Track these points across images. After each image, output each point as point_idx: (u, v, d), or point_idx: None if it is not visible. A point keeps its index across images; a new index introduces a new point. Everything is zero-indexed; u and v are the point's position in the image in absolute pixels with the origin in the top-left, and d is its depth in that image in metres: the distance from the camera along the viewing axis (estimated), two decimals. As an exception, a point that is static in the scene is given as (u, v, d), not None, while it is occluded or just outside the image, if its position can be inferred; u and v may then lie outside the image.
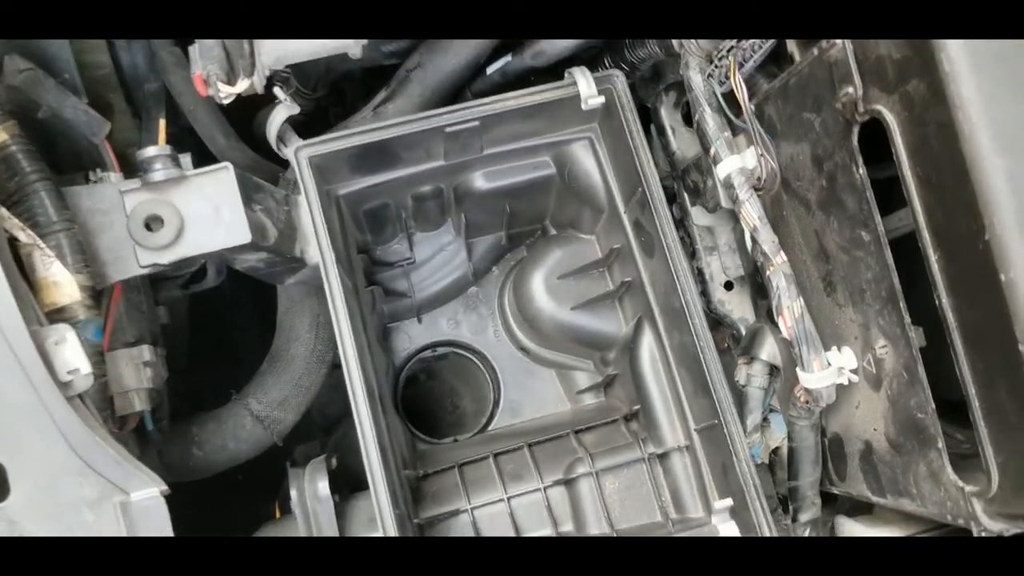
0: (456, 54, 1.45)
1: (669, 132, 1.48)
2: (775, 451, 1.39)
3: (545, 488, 1.46)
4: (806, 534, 1.29)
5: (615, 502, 1.45)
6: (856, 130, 1.00)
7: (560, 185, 1.59)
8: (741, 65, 1.17)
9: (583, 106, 1.38)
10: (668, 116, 1.48)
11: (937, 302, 0.93)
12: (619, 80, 1.38)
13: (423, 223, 1.71)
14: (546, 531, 1.44)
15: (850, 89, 0.96)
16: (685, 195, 1.45)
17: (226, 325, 2.13)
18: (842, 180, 1.05)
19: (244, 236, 1.17)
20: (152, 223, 1.16)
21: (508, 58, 1.47)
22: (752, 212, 1.18)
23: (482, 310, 1.81)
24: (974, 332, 0.89)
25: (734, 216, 1.39)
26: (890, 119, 0.94)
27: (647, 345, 1.50)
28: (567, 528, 1.46)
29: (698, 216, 1.44)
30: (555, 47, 1.44)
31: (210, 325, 1.99)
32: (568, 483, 1.47)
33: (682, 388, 1.42)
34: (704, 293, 1.47)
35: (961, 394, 0.95)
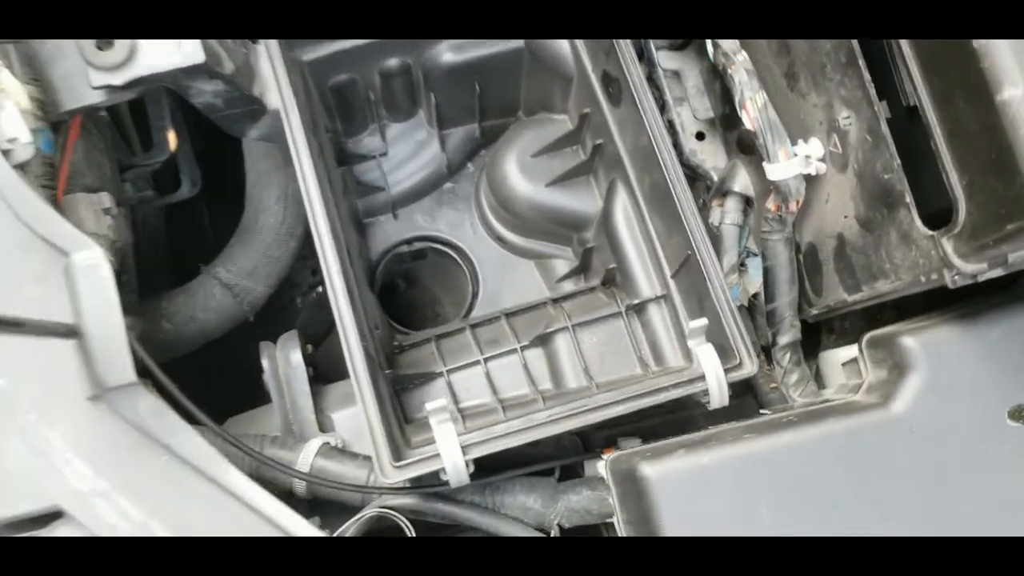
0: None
1: (633, -17, 1.47)
2: (755, 296, 1.36)
3: (522, 348, 1.43)
4: (786, 358, 1.25)
5: (594, 357, 1.42)
6: None
7: (529, 59, 1.58)
8: None
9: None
10: (631, -35, 1.47)
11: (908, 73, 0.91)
12: (580, -71, 1.37)
13: (394, 111, 1.70)
14: (524, 391, 1.41)
15: None
16: (651, 44, 1.44)
17: (205, 248, 2.10)
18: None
19: (198, 56, 1.16)
20: (103, 44, 1.15)
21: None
22: (712, 19, 1.17)
23: (458, 205, 1.80)
24: (928, 50, 0.87)
25: (700, 52, 1.38)
26: None
27: (620, 204, 1.48)
28: (545, 386, 1.42)
29: (665, 60, 1.42)
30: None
31: (188, 247, 1.96)
32: (544, 341, 1.43)
33: (656, 235, 1.40)
34: (676, 145, 1.45)
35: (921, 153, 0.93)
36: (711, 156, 1.43)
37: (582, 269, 1.66)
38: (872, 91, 0.98)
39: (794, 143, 1.12)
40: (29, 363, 0.93)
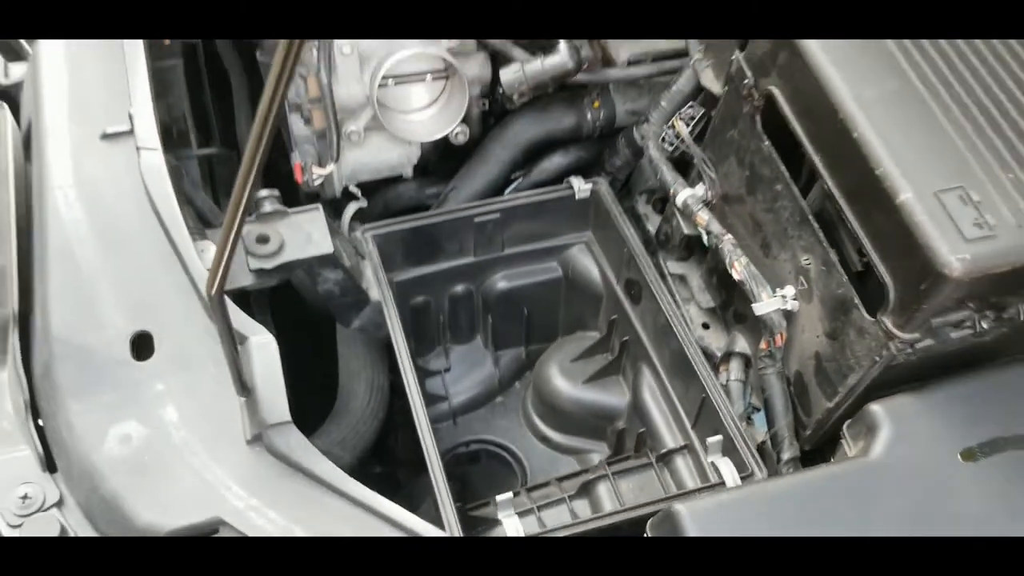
0: (483, 177, 1.95)
1: (644, 219, 1.93)
2: (761, 443, 1.64)
3: (569, 497, 1.68)
4: (789, 471, 1.51)
5: (630, 499, 1.66)
6: (758, 117, 1.46)
7: (566, 286, 2.01)
8: (692, 119, 1.68)
9: (576, 195, 1.85)
10: (642, 208, 1.94)
11: (827, 188, 1.32)
12: (602, 182, 1.87)
13: (457, 334, 2.09)
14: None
15: (746, 80, 1.45)
16: (660, 258, 1.87)
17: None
18: (757, 161, 1.49)
19: (328, 247, 1.58)
20: (260, 240, 1.58)
21: (519, 179, 1.98)
22: (703, 216, 1.61)
23: (508, 415, 2.12)
24: (854, 193, 1.28)
25: (700, 256, 1.80)
26: (776, 92, 1.40)
27: (646, 383, 1.82)
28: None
29: (672, 267, 1.84)
30: (552, 164, 1.96)
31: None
32: (588, 490, 1.68)
33: (676, 396, 1.72)
34: (686, 333, 1.82)
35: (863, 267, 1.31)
36: (715, 339, 1.79)
37: (616, 453, 1.94)
38: (820, 234, 1.38)
39: (773, 291, 1.49)
40: (203, 414, 1.24)
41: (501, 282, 2.00)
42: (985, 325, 1.26)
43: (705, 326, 1.82)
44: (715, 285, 1.76)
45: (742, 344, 1.67)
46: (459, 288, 1.99)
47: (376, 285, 1.73)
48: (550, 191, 1.87)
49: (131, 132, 1.39)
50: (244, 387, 1.21)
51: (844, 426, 1.37)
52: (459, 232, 1.87)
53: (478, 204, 1.85)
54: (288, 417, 1.20)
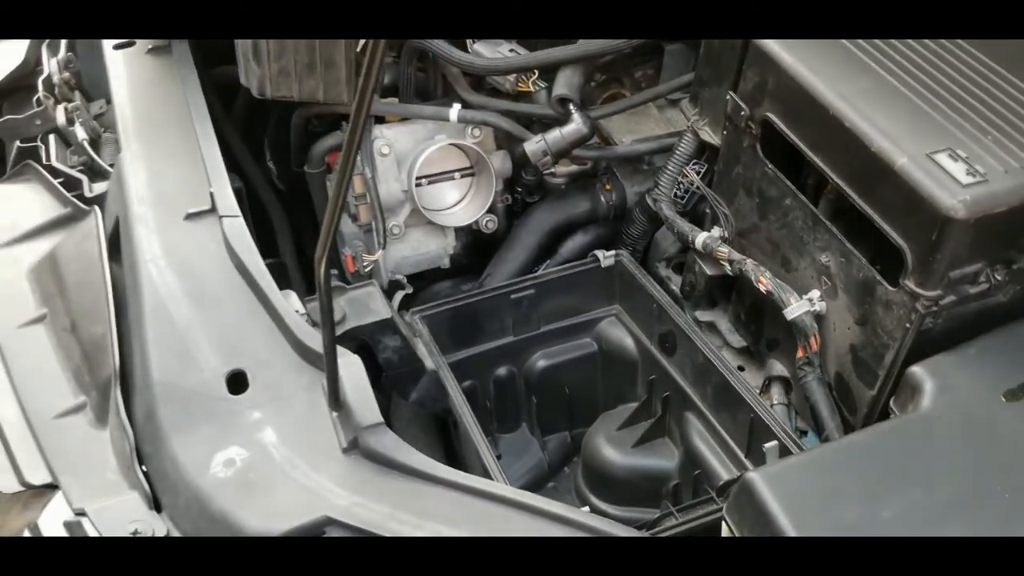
0: (513, 262, 2.12)
1: (667, 281, 2.08)
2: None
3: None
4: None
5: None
6: (758, 145, 1.66)
7: (602, 360, 2.13)
8: (698, 173, 1.88)
9: (602, 264, 2.01)
10: (664, 272, 2.10)
11: (832, 181, 1.50)
12: (623, 253, 2.04)
13: (503, 422, 2.18)
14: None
15: (743, 113, 1.66)
16: (687, 310, 2.00)
17: None
18: (764, 185, 1.67)
19: (387, 313, 1.71)
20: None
21: (547, 262, 2.14)
22: (723, 250, 1.76)
23: (562, 496, 2.16)
24: (857, 176, 1.45)
25: (725, 302, 1.94)
26: (771, 116, 1.61)
27: (695, 430, 1.89)
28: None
29: (701, 316, 1.97)
30: (575, 243, 2.13)
31: None
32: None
33: (724, 430, 1.80)
34: (725, 381, 1.92)
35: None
36: (753, 379, 1.89)
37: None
38: (833, 229, 1.54)
39: (800, 297, 1.63)
40: (300, 434, 1.33)
41: (540, 361, 2.11)
42: (999, 277, 1.39)
43: (741, 368, 1.92)
44: (744, 322, 1.89)
45: (779, 368, 1.78)
46: (502, 371, 2.10)
47: (429, 356, 1.85)
48: (577, 264, 2.03)
49: (212, 210, 1.56)
50: (337, 400, 1.31)
51: (891, 402, 1.47)
52: (498, 310, 2.01)
53: (514, 281, 2.01)
54: (381, 419, 1.30)
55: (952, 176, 1.32)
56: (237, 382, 1.38)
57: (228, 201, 1.56)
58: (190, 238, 1.54)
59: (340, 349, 1.37)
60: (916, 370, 1.39)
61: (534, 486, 2.17)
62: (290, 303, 1.47)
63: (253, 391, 1.37)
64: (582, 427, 2.21)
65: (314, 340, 1.39)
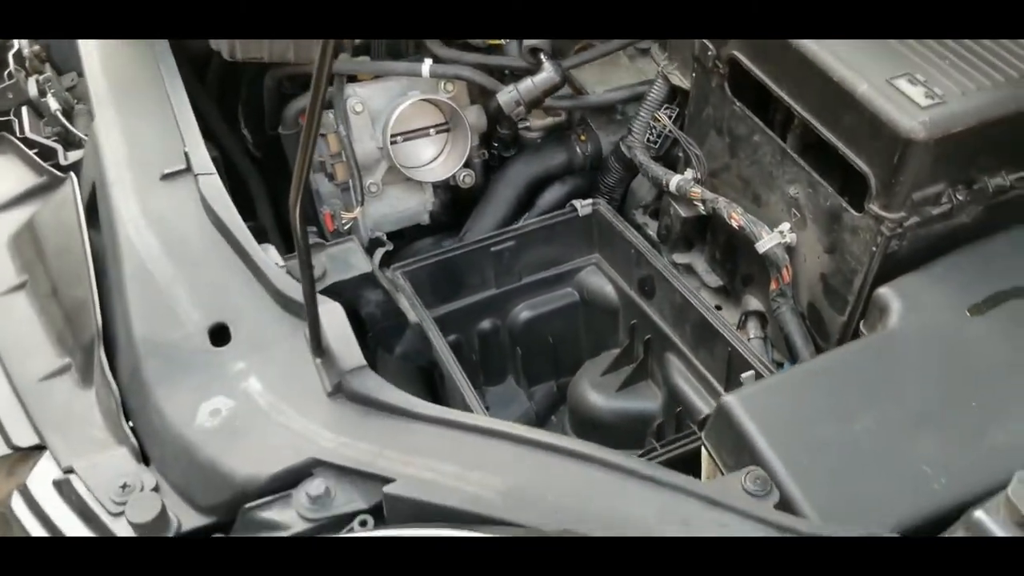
0: (492, 216, 2.14)
1: (644, 227, 2.11)
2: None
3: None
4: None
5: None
6: (726, 84, 1.68)
7: (584, 309, 2.16)
8: (670, 118, 1.90)
9: (580, 213, 2.03)
10: (640, 219, 2.12)
11: (798, 113, 1.52)
12: (600, 201, 2.06)
13: (490, 376, 2.21)
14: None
15: (710, 52, 1.67)
16: (664, 254, 2.03)
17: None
18: (733, 124, 1.69)
19: (368, 267, 1.73)
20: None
21: (526, 215, 2.17)
22: (697, 190, 1.79)
23: (550, 444, 2.19)
24: (821, 106, 1.47)
25: (700, 244, 1.97)
26: (738, 54, 1.63)
27: (675, 368, 1.93)
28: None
29: (678, 258, 2.00)
30: (553, 195, 2.16)
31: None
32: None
33: (704, 367, 1.83)
34: (703, 319, 1.95)
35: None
36: (731, 317, 1.92)
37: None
38: (801, 161, 1.56)
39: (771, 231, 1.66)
40: (285, 381, 1.35)
41: (524, 312, 2.14)
42: (960, 197, 1.42)
43: (718, 307, 1.95)
44: (719, 261, 1.92)
45: (755, 303, 1.81)
46: (486, 324, 2.12)
47: (412, 310, 1.87)
48: (556, 215, 2.05)
49: (187, 169, 1.58)
50: (320, 347, 1.34)
51: (860, 325, 1.50)
52: (479, 263, 2.03)
53: (494, 234, 2.03)
54: (363, 362, 1.32)
55: (911, 99, 1.34)
56: (220, 335, 1.40)
57: (203, 160, 1.57)
58: (167, 198, 1.56)
59: (320, 297, 1.40)
60: (883, 291, 1.43)
61: (523, 435, 2.21)
62: (269, 256, 1.48)
63: (236, 342, 1.39)
64: (567, 376, 2.24)
65: (294, 291, 1.41)
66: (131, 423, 1.37)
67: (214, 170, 1.55)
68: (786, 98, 1.53)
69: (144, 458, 1.34)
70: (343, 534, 1.19)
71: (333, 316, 1.37)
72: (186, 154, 1.59)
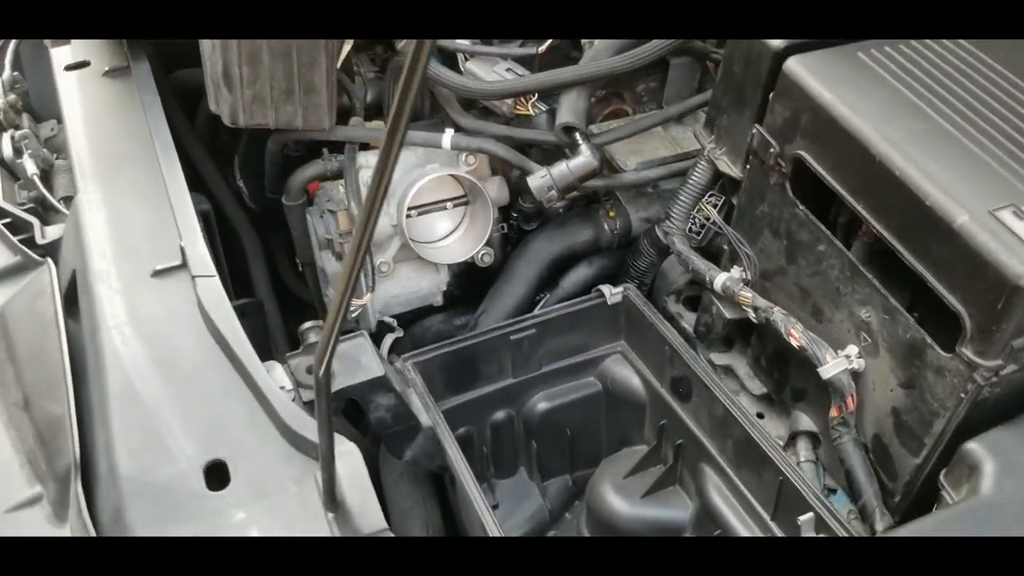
0: (511, 297, 1.96)
1: (678, 318, 1.93)
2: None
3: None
4: (889, 538, 1.44)
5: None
6: (788, 184, 1.51)
7: (606, 400, 1.98)
8: (714, 206, 1.72)
9: (608, 301, 1.86)
10: (673, 307, 1.95)
11: (877, 232, 1.35)
12: (631, 287, 1.89)
13: (500, 468, 2.03)
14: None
15: (772, 150, 1.50)
16: (701, 353, 1.86)
17: None
18: (793, 228, 1.52)
19: (379, 371, 1.55)
20: (311, 371, 1.54)
21: (546, 296, 1.99)
22: (747, 294, 1.61)
23: (564, 545, 2.02)
24: (906, 230, 1.31)
25: (743, 344, 1.80)
26: (805, 155, 1.46)
27: (712, 484, 1.76)
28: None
29: (716, 359, 1.82)
30: (578, 276, 1.98)
31: None
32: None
33: (746, 489, 1.66)
34: (744, 430, 1.78)
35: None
36: (774, 428, 1.75)
37: None
38: (876, 283, 1.39)
39: (836, 353, 1.49)
40: (289, 534, 1.17)
41: (541, 403, 1.96)
42: (1062, 344, 1.26)
43: (760, 415, 1.79)
44: (765, 368, 1.75)
45: (806, 422, 1.64)
46: (500, 415, 1.94)
47: (425, 411, 1.69)
48: (582, 301, 1.88)
49: (183, 266, 1.38)
50: (333, 500, 1.15)
51: (941, 476, 1.33)
52: (496, 352, 1.85)
53: (513, 321, 1.85)
54: (384, 524, 1.14)
55: (1020, 238, 1.18)
56: (217, 475, 1.21)
57: (201, 257, 1.38)
58: (159, 299, 1.36)
59: (336, 437, 1.21)
60: (973, 447, 1.27)
61: (536, 533, 2.03)
62: (275, 378, 1.30)
63: (235, 486, 1.20)
64: (583, 469, 2.07)
65: (303, 424, 1.23)
66: (110, 573, 1.18)
67: (214, 271, 1.35)
68: (864, 214, 1.36)
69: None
70: None
71: (350, 463, 1.19)
72: (182, 248, 1.39)
